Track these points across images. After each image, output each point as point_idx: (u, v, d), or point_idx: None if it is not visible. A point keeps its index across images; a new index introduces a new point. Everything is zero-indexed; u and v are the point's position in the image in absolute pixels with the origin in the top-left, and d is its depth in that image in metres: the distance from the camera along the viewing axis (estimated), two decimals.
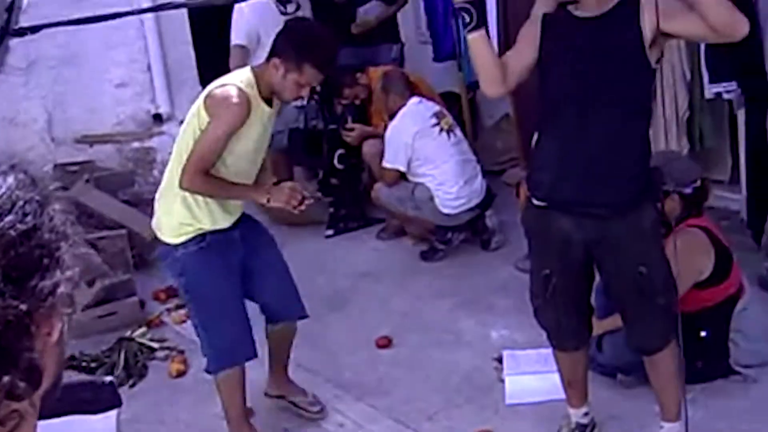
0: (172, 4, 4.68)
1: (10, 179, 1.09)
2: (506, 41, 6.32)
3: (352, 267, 6.37)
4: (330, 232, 6.89)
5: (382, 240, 6.74)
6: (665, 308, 3.58)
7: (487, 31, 6.35)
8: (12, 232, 1.03)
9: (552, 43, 3.59)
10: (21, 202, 1.06)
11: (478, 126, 7.89)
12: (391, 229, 6.74)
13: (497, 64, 3.59)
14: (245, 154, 4.16)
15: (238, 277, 4.28)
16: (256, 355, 4.36)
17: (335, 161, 6.69)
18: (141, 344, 5.48)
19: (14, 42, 7.25)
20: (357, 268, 6.36)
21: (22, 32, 4.09)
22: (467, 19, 3.47)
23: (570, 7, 3.56)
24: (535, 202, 3.73)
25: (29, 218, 1.05)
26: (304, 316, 4.60)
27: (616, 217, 3.56)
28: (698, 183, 4.35)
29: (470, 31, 3.52)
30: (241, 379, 4.32)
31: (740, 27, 3.23)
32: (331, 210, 6.95)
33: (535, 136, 3.94)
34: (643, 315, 3.69)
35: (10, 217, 1.04)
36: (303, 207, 4.18)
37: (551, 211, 3.67)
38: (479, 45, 3.56)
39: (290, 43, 4.10)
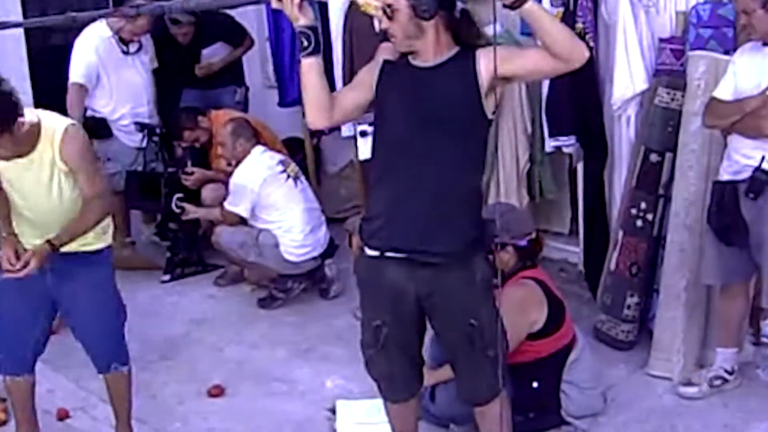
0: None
1: None
2: (351, 74, 6.39)
3: (187, 314, 6.23)
4: (166, 277, 6.72)
5: (219, 286, 6.61)
6: (495, 360, 3.56)
7: (326, 63, 6.38)
8: None
9: (388, 90, 3.57)
10: None
11: (321, 173, 7.85)
12: (229, 276, 6.62)
13: (327, 95, 3.54)
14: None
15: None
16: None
17: (173, 205, 6.51)
18: None
19: None
20: (192, 314, 6.22)
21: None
22: (305, 43, 3.39)
23: (409, 56, 3.56)
24: (368, 251, 3.68)
25: None
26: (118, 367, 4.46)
27: (447, 268, 3.53)
28: (533, 235, 4.40)
29: (306, 55, 3.44)
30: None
31: (582, 52, 3.28)
32: (169, 255, 6.79)
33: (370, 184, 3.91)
34: (473, 366, 3.67)
35: None
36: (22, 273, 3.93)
37: (384, 260, 3.62)
38: (312, 71, 3.48)
39: None
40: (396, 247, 3.57)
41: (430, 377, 4.14)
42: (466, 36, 3.50)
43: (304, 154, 7.48)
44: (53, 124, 4.03)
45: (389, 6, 3.41)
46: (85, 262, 4.21)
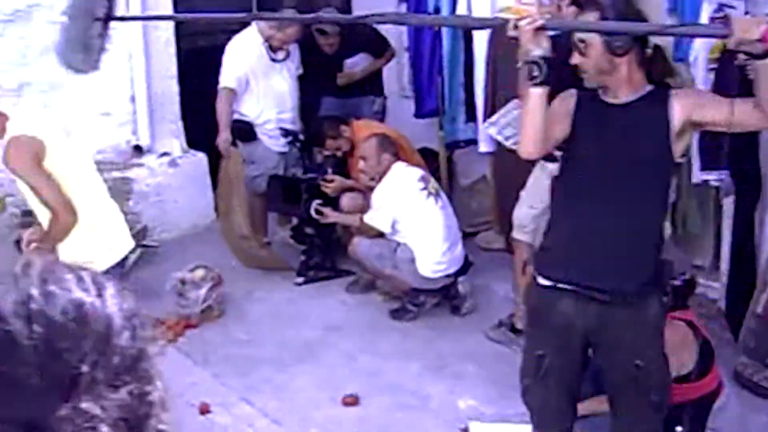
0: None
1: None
2: (493, 94, 6.44)
3: (320, 319, 6.34)
4: (300, 279, 6.86)
5: (351, 293, 6.71)
6: (657, 405, 3.60)
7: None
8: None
9: (582, 124, 3.63)
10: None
11: (453, 185, 7.93)
12: (361, 284, 6.72)
13: (544, 127, 3.55)
14: None
15: None
16: None
17: (312, 211, 6.67)
18: None
19: (7, 64, 7.28)
20: (325, 320, 6.33)
21: (123, 19, 4.15)
22: (535, 73, 3.41)
23: (600, 92, 3.62)
24: (541, 281, 3.75)
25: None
26: None
27: (618, 306, 3.59)
28: (687, 276, 4.40)
29: (535, 85, 3.45)
30: None
31: None
32: (303, 258, 6.93)
33: (549, 215, 3.97)
34: (633, 408, 3.71)
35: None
36: None
37: (556, 291, 3.69)
38: (537, 102, 3.49)
39: None
40: (569, 279, 3.64)
41: (582, 407, 4.19)
42: (659, 73, 3.56)
43: (437, 166, 7.56)
44: (13, 127, 4.36)
45: (582, 41, 3.49)
46: None
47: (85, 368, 1.07)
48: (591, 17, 3.53)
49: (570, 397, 3.89)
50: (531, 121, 3.55)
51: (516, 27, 3.34)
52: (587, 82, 3.66)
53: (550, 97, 3.56)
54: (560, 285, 3.67)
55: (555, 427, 3.97)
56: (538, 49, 3.35)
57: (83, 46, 4.12)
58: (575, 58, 3.55)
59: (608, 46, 3.44)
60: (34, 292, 1.11)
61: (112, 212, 4.89)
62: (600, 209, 3.57)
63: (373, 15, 3.99)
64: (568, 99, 3.68)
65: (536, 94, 3.47)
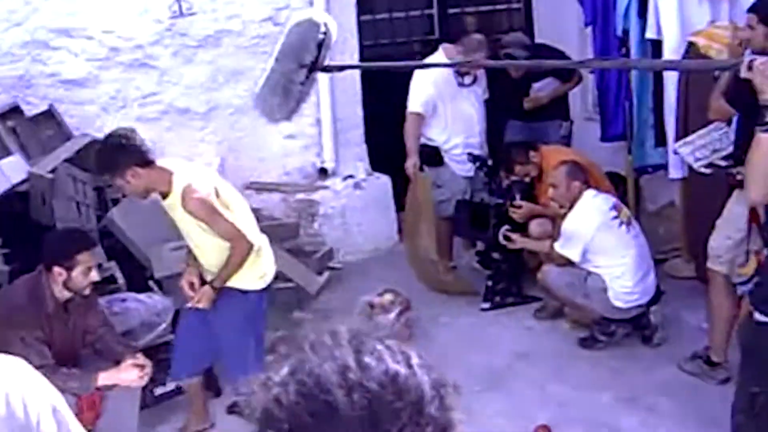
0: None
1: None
2: (685, 118, 6.30)
3: (507, 345, 6.32)
4: (486, 305, 6.86)
5: (538, 320, 6.67)
6: None
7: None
8: None
9: None
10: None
11: (639, 210, 7.79)
12: (549, 310, 6.67)
13: None
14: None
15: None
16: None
17: (500, 236, 6.66)
18: None
19: (196, 88, 7.55)
20: (512, 346, 6.30)
21: (329, 69, 4.30)
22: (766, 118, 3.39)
23: None
24: (758, 317, 3.65)
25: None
26: None
27: None
28: None
29: (766, 130, 3.41)
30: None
31: None
32: (489, 283, 6.92)
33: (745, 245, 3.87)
34: None
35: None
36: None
37: None
38: (766, 148, 3.44)
39: None
40: None
41: None
42: None
43: (624, 191, 7.45)
44: (180, 178, 4.75)
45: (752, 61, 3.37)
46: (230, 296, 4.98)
47: None
48: None
49: None
50: (758, 168, 3.46)
51: (750, 68, 3.26)
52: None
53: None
54: None
55: None
56: None
57: (283, 90, 4.23)
58: (744, 72, 3.42)
59: None
60: (350, 362, 1.16)
61: (265, 240, 5.19)
62: None
63: (592, 60, 3.93)
64: None
65: (766, 139, 3.37)
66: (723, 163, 5.60)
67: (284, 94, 4.23)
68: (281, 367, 1.22)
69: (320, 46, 4.16)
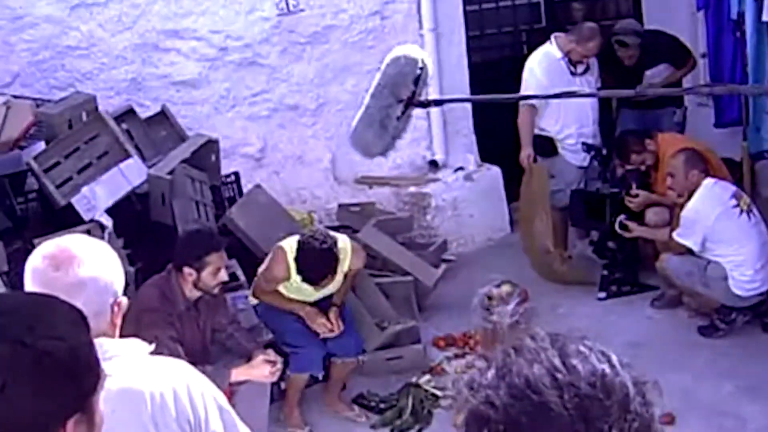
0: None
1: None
2: None
3: (627, 334, 6.29)
4: (603, 294, 6.87)
5: (656, 309, 6.66)
6: None
7: None
8: None
9: None
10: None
11: (755, 196, 7.70)
12: (667, 299, 6.65)
13: None
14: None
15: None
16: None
17: (617, 226, 6.66)
18: (426, 391, 5.68)
19: (305, 85, 7.68)
20: (631, 336, 6.28)
21: (426, 104, 4.41)
22: None
23: None
24: None
25: None
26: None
27: None
28: None
29: None
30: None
31: None
32: (605, 273, 6.92)
33: None
34: None
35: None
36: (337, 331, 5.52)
37: None
38: None
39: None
40: None
41: None
42: None
43: (740, 176, 7.37)
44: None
45: None
46: None
47: None
48: None
49: None
50: None
51: None
52: None
53: None
54: None
55: None
56: None
57: (380, 125, 4.31)
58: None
59: None
60: (558, 364, 1.24)
61: None
62: None
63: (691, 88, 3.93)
64: None
65: None
66: None
67: (381, 129, 4.31)
68: (483, 370, 1.29)
69: (417, 81, 4.25)
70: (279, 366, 5.04)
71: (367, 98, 4.41)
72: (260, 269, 5.56)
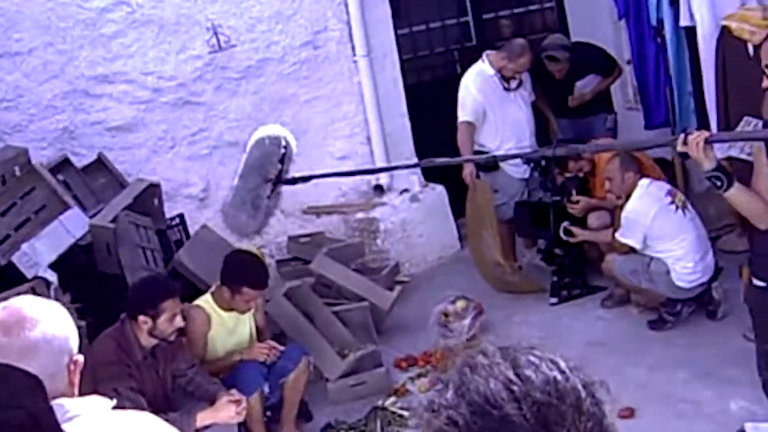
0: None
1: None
2: (725, 100, 6.45)
3: (581, 335, 6.51)
4: (554, 300, 7.06)
5: (607, 308, 6.86)
6: None
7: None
8: None
9: None
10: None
11: (688, 192, 7.95)
12: (615, 298, 6.86)
13: (759, 202, 3.82)
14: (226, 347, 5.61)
15: None
16: None
17: (561, 232, 6.87)
18: (393, 413, 5.78)
19: (243, 120, 7.73)
20: (586, 336, 6.49)
21: (293, 182, 4.62)
22: (719, 183, 3.74)
23: None
24: (756, 282, 3.96)
25: None
26: None
27: None
28: None
29: (725, 191, 3.75)
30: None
31: None
32: (555, 279, 7.11)
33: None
34: None
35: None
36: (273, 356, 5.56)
37: None
38: (739, 197, 3.81)
39: (230, 274, 5.49)
40: None
41: None
42: None
43: (673, 174, 7.63)
44: None
45: None
46: None
47: None
48: None
49: None
50: (747, 210, 3.88)
51: (685, 142, 3.64)
52: None
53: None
54: None
55: None
56: (708, 161, 3.67)
57: (252, 206, 4.50)
58: (764, 82, 3.74)
59: None
60: (512, 376, 1.31)
61: None
62: None
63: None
64: (760, 156, 3.87)
65: (733, 195, 3.79)
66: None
67: (253, 209, 4.53)
68: (442, 391, 1.35)
69: (283, 159, 4.45)
70: (244, 405, 5.04)
71: (236, 180, 4.59)
72: (184, 341, 5.48)
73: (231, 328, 5.62)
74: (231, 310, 5.57)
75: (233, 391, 5.13)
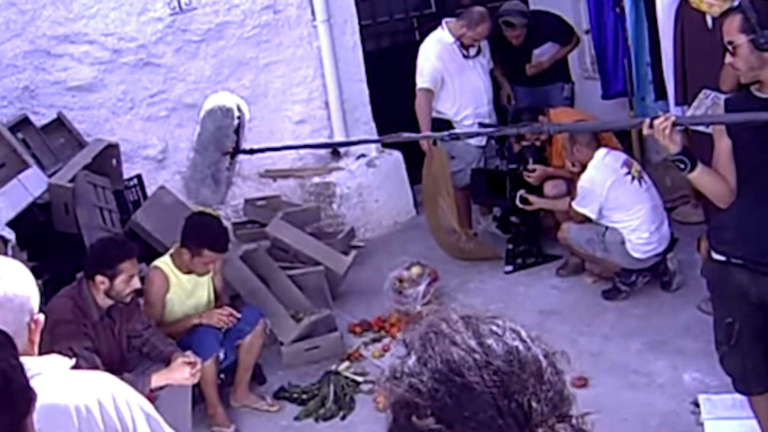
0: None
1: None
2: (683, 71, 6.47)
3: (534, 304, 6.54)
4: (509, 268, 7.08)
5: (561, 277, 6.89)
6: None
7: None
8: None
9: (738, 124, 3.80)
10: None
11: (644, 162, 8.00)
12: (570, 267, 6.89)
13: (720, 182, 3.83)
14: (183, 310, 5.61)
15: None
16: None
17: (517, 200, 6.88)
18: (346, 378, 5.79)
19: (202, 83, 7.69)
20: (540, 305, 6.53)
21: (250, 152, 4.59)
22: (682, 166, 3.75)
23: (752, 88, 3.82)
24: (715, 256, 3.99)
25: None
26: None
27: None
28: None
29: (689, 173, 3.77)
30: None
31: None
32: (510, 247, 7.13)
33: None
34: None
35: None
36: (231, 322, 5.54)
37: (729, 265, 3.94)
38: (702, 178, 3.82)
39: (191, 236, 5.44)
40: (740, 255, 3.89)
41: None
42: None
43: (630, 144, 7.67)
44: None
45: (731, 43, 3.70)
46: None
47: (534, 405, 1.29)
48: (736, 21, 3.70)
49: (766, 355, 4.05)
50: (710, 191, 3.89)
51: (651, 126, 3.66)
52: (743, 79, 3.88)
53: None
54: (732, 260, 3.92)
55: (756, 388, 4.14)
56: (674, 146, 3.67)
57: (213, 179, 4.47)
58: (727, 58, 3.75)
59: (755, 44, 3.64)
60: (474, 345, 1.33)
61: None
62: (764, 191, 3.78)
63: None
64: (721, 135, 3.85)
65: (696, 177, 3.81)
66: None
67: (214, 183, 4.52)
68: (404, 358, 1.36)
69: (237, 130, 4.44)
70: (199, 367, 5.05)
71: (193, 154, 4.56)
72: (141, 302, 5.49)
73: (189, 291, 5.62)
74: (190, 272, 5.56)
75: (188, 353, 5.13)
